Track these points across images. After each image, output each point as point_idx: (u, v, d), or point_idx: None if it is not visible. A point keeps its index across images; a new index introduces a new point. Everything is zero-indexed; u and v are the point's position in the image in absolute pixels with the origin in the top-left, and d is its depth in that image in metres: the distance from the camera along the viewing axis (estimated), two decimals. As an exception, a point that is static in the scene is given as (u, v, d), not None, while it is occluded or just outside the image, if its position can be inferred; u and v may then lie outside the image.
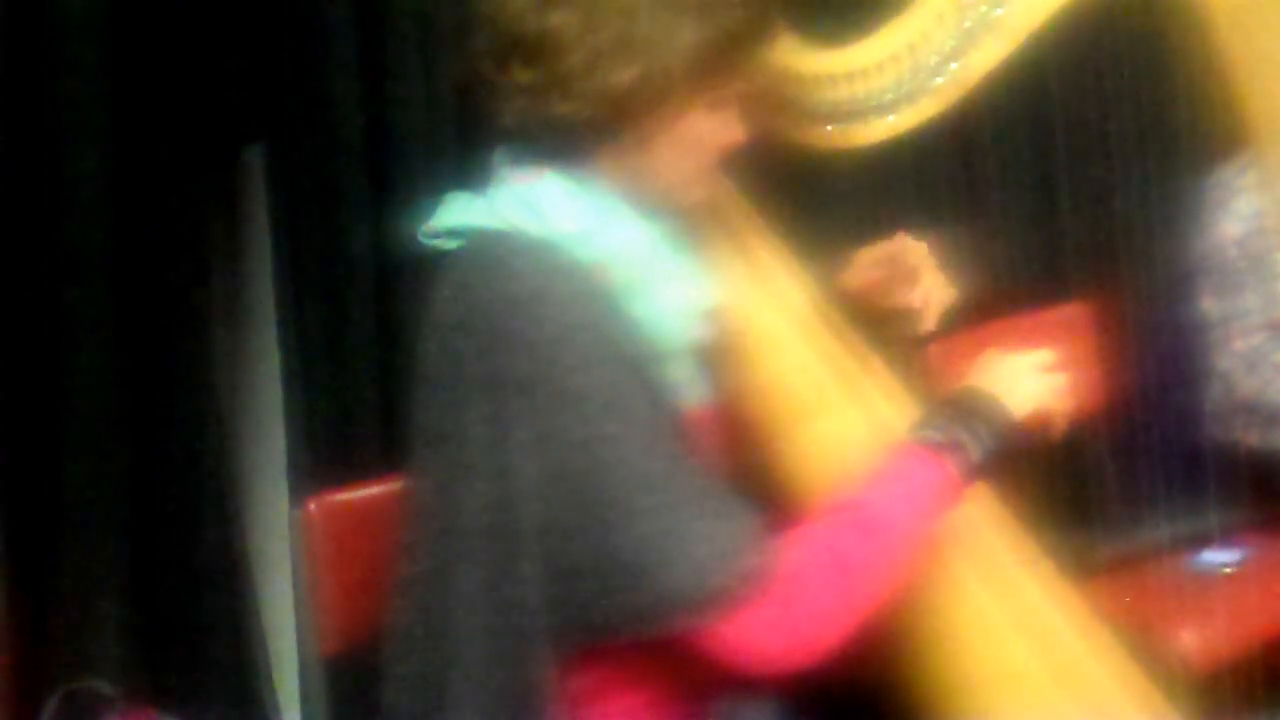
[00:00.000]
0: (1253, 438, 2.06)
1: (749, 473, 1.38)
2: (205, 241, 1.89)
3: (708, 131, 1.32)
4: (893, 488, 1.30)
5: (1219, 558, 2.03)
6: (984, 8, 1.44)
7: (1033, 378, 1.38)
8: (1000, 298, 2.08)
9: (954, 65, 1.45)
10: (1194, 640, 1.86)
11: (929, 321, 1.47)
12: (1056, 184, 2.29)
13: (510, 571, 1.23)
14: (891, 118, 1.46)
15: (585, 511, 1.21)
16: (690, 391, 1.36)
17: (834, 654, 1.26)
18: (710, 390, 1.39)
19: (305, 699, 1.57)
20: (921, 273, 1.46)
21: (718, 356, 1.39)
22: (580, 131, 1.29)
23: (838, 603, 1.26)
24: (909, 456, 1.32)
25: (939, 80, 1.46)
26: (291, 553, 1.53)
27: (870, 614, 1.27)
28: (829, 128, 1.47)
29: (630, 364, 1.25)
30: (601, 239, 1.30)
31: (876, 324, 1.48)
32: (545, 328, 1.22)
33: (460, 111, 1.90)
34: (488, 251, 1.29)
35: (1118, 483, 2.15)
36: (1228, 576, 2.01)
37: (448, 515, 1.27)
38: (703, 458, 1.29)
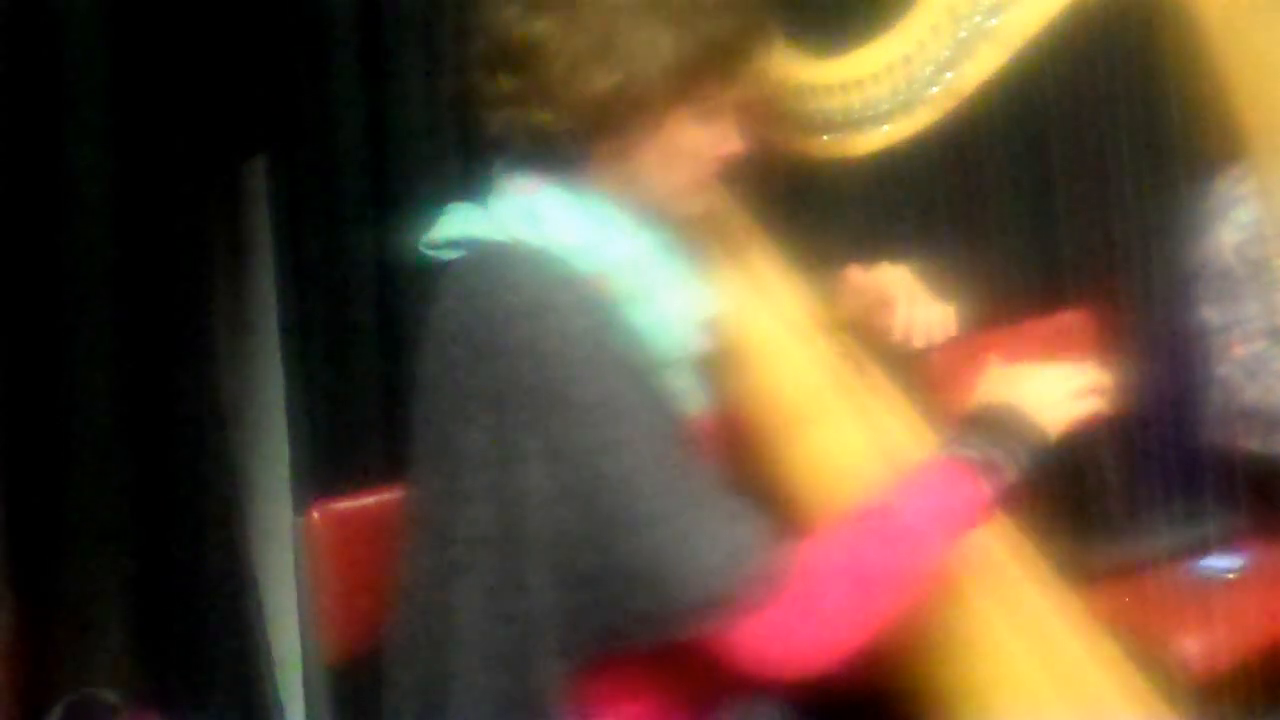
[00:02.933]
0: (1254, 444, 2.06)
1: (749, 482, 1.39)
2: (209, 251, 1.90)
3: (701, 143, 1.32)
4: (922, 500, 1.29)
5: (1221, 564, 2.03)
6: (979, 18, 1.44)
7: (1063, 391, 1.36)
8: (999, 306, 2.08)
9: (949, 75, 1.45)
10: (1196, 646, 1.86)
11: (917, 343, 1.45)
12: (1054, 192, 2.29)
13: (516, 582, 1.23)
14: (887, 127, 1.46)
15: (596, 520, 1.21)
16: (690, 400, 1.36)
17: (847, 660, 1.25)
18: (709, 399, 1.39)
19: (309, 707, 1.58)
20: (901, 299, 1.44)
21: (717, 365, 1.39)
22: (561, 140, 1.29)
23: (854, 609, 1.25)
24: (943, 471, 1.31)
25: (934, 90, 1.46)
26: (295, 561, 1.54)
27: (885, 623, 1.27)
28: (825, 137, 1.47)
29: (633, 371, 1.25)
30: (600, 250, 1.30)
31: (870, 345, 1.48)
32: (547, 339, 1.22)
33: (462, 121, 1.90)
34: (487, 263, 1.30)
35: (1120, 489, 2.15)
36: (1229, 583, 2.01)
37: (449, 526, 1.26)
38: (708, 463, 1.29)
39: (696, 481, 1.24)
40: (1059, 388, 1.36)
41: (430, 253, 1.35)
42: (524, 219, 1.31)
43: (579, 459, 1.22)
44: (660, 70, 1.26)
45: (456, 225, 1.34)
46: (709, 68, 1.28)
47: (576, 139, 1.29)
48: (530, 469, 1.22)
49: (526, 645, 1.24)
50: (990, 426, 1.33)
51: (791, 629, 1.23)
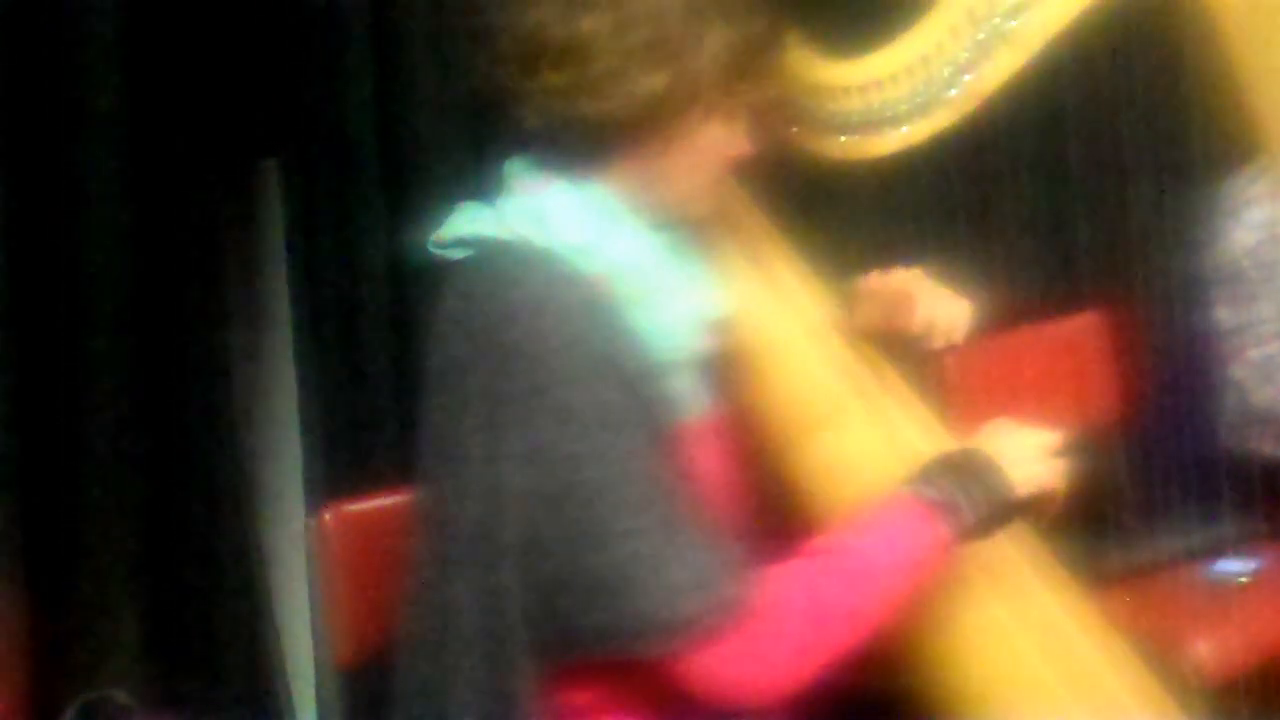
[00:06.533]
0: (1267, 447, 2.06)
1: (759, 484, 1.39)
2: (221, 252, 1.90)
3: (720, 141, 1.32)
4: (881, 539, 1.29)
5: (1234, 567, 2.03)
6: (997, 20, 1.44)
7: (1039, 456, 1.34)
8: (1014, 308, 2.08)
9: (967, 77, 1.45)
10: (1208, 650, 1.86)
11: (938, 342, 1.44)
12: (1070, 194, 2.29)
13: (494, 583, 1.23)
14: (905, 129, 1.46)
15: (566, 527, 1.21)
16: (694, 404, 1.35)
17: (802, 692, 1.25)
18: (718, 401, 1.39)
19: (320, 709, 1.58)
20: (919, 299, 1.43)
21: (728, 367, 1.39)
22: (607, 133, 1.29)
23: (810, 644, 1.25)
24: (903, 510, 1.30)
25: (952, 92, 1.45)
26: (307, 563, 1.54)
27: (841, 657, 1.26)
28: (843, 139, 1.47)
29: (626, 381, 1.24)
30: (606, 250, 1.30)
31: (889, 350, 1.47)
32: (542, 340, 1.22)
33: (474, 121, 1.91)
34: (492, 262, 1.30)
35: (1133, 492, 2.14)
36: (1242, 586, 2.01)
37: (446, 524, 1.27)
38: (692, 482, 1.28)
39: (670, 501, 1.24)
40: (1033, 445, 1.34)
41: (438, 252, 1.35)
42: (531, 218, 1.31)
43: (557, 463, 1.21)
44: (708, 65, 1.26)
45: (464, 224, 1.34)
46: (749, 63, 1.29)
47: (622, 132, 1.29)
48: (511, 469, 1.22)
49: (502, 647, 1.24)
50: (958, 469, 1.32)
51: (747, 660, 1.23)
